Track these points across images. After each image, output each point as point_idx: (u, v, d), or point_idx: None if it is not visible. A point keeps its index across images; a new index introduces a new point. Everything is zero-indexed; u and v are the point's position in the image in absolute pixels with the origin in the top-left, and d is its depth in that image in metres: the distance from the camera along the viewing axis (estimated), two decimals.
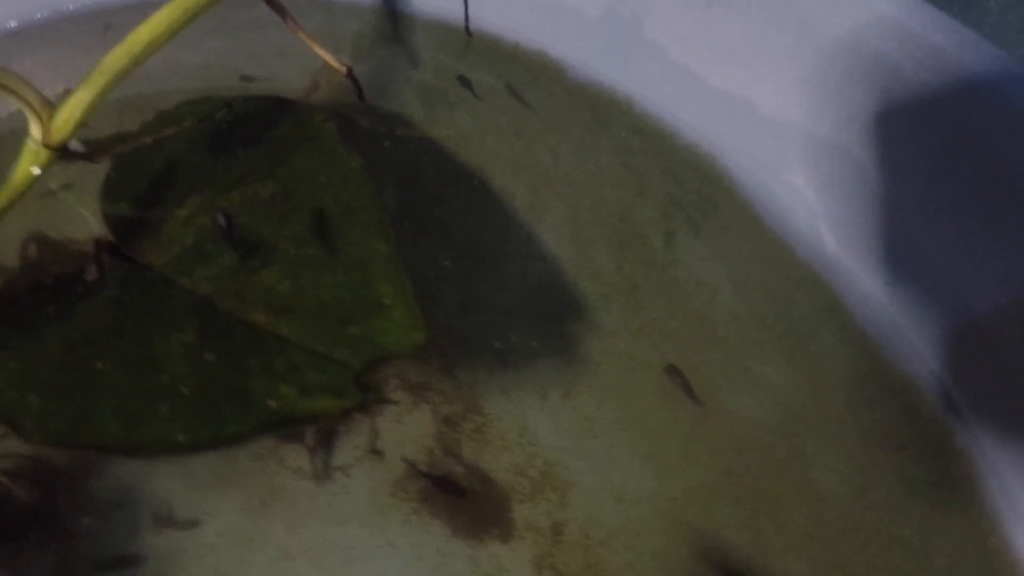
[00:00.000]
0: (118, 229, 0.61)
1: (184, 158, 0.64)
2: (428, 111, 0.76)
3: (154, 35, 0.55)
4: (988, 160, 0.63)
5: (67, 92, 0.55)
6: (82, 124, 0.55)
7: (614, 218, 0.72)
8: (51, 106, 0.55)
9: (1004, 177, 0.63)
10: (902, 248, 0.69)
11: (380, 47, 0.81)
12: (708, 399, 0.64)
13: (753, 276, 0.71)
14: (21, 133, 0.56)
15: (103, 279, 0.58)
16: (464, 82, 0.78)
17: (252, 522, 0.54)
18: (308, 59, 0.73)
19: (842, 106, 0.71)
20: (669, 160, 0.76)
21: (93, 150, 0.61)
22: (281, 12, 0.69)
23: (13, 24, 0.74)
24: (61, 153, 0.56)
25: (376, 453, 0.58)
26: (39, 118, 0.54)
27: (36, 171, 0.56)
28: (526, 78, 0.80)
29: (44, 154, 0.56)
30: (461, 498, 0.56)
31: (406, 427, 0.59)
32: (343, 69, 0.72)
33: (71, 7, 0.75)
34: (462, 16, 0.80)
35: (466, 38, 0.81)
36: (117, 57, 0.55)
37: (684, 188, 0.75)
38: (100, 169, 0.64)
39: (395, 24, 0.82)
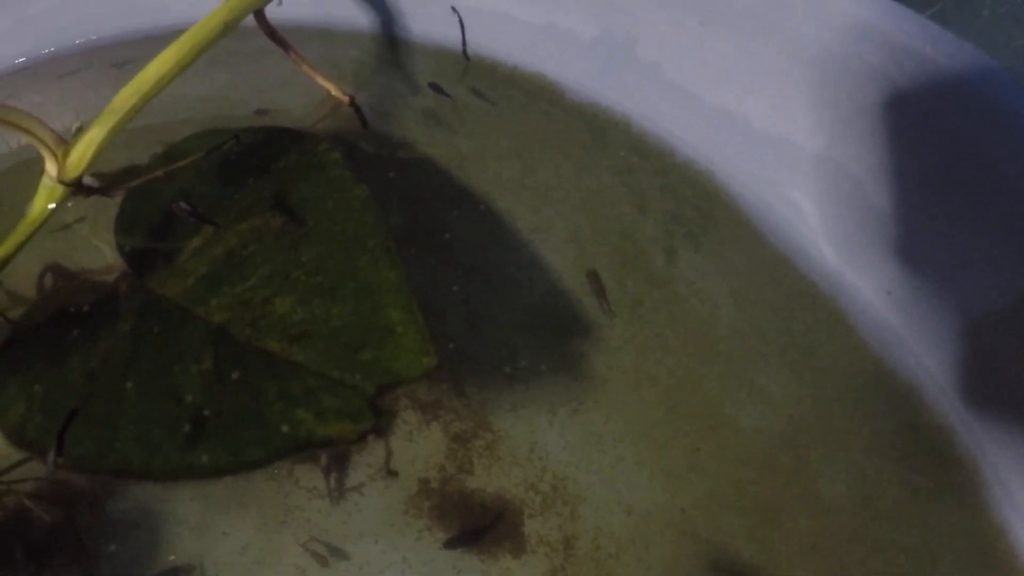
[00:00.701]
0: (132, 260, 0.62)
1: (195, 189, 0.64)
2: (430, 135, 0.76)
3: (162, 72, 0.56)
4: (982, 166, 0.63)
5: (80, 129, 0.56)
6: (95, 161, 0.56)
7: (616, 236, 0.72)
8: (65, 144, 0.56)
9: (998, 182, 0.63)
10: (901, 258, 0.69)
11: (380, 74, 0.81)
12: (715, 413, 0.64)
13: (754, 290, 0.71)
14: (30, 164, 0.57)
15: (120, 310, 0.58)
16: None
17: (268, 540, 0.55)
18: (311, 88, 0.73)
19: (836, 119, 0.71)
20: (668, 177, 0.77)
21: (106, 184, 0.62)
22: (284, 45, 0.69)
23: (22, 60, 0.75)
24: (76, 188, 0.57)
25: (389, 472, 0.58)
26: (54, 156, 0.55)
27: (52, 206, 0.57)
28: (524, 100, 0.80)
29: (59, 190, 0.56)
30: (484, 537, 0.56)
31: (418, 445, 0.59)
32: (346, 99, 0.72)
33: (77, 42, 0.76)
34: (460, 41, 0.80)
35: (464, 62, 0.81)
36: (127, 95, 0.56)
37: (683, 205, 0.75)
38: (113, 202, 0.64)
39: (394, 50, 0.82)
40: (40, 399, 0.55)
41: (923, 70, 0.65)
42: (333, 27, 0.83)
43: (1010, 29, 0.89)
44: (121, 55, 0.72)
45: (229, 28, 0.59)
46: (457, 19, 0.80)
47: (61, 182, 0.56)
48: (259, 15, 0.67)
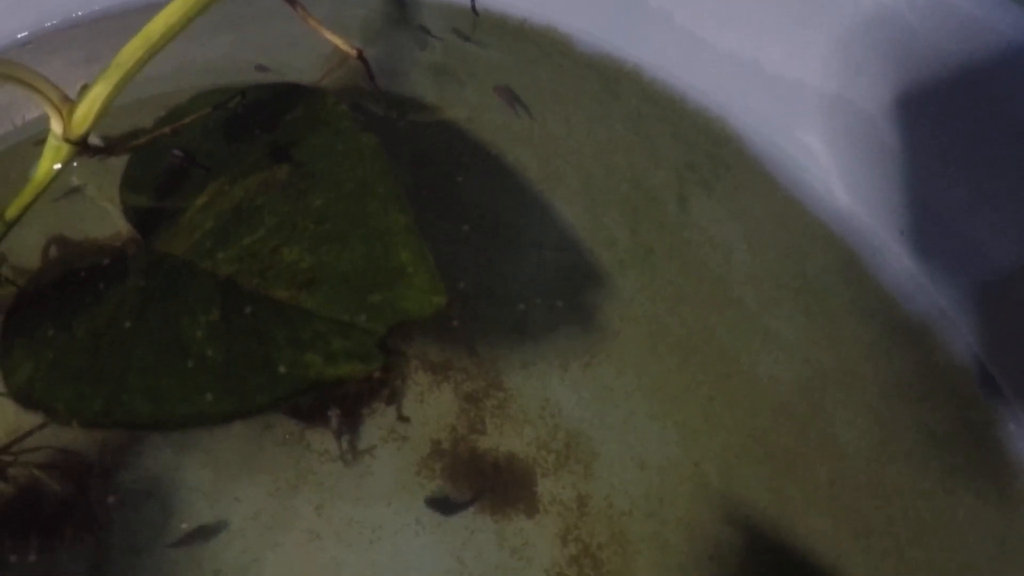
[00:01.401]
0: (138, 222, 0.61)
1: (201, 147, 0.63)
2: (439, 90, 0.74)
3: (169, 25, 0.54)
4: (995, 104, 0.62)
5: (85, 87, 0.54)
6: (101, 118, 0.55)
7: (627, 184, 0.71)
8: (70, 102, 0.54)
9: (1011, 121, 0.61)
10: (914, 197, 0.67)
11: (388, 31, 0.79)
12: (729, 361, 0.63)
13: (767, 235, 0.69)
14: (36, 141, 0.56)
15: (126, 270, 0.57)
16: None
17: (281, 505, 0.54)
18: (318, 47, 0.72)
19: (849, 61, 0.69)
20: (680, 125, 0.75)
21: (112, 144, 0.61)
22: (290, 1, 0.69)
23: (24, 35, 0.74)
24: (82, 148, 0.56)
25: (400, 434, 0.57)
26: (59, 113, 0.54)
27: (58, 167, 0.56)
28: (534, 53, 0.78)
29: (65, 149, 0.55)
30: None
31: (429, 406, 0.58)
32: (354, 52, 0.70)
33: (80, 13, 0.75)
34: None
35: (473, 17, 0.79)
36: (134, 49, 0.54)
37: (696, 151, 0.73)
38: (119, 165, 0.63)
39: (401, 6, 0.81)
40: (47, 359, 0.54)
41: (936, 9, 0.63)
42: None
43: None
44: (128, 22, 0.71)
45: None
46: None
47: (67, 140, 0.55)
48: None
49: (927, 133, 0.66)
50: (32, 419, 0.54)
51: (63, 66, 0.70)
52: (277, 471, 0.55)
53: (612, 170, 0.72)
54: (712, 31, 0.75)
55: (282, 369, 0.51)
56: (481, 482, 0.56)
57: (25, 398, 0.53)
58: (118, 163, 0.63)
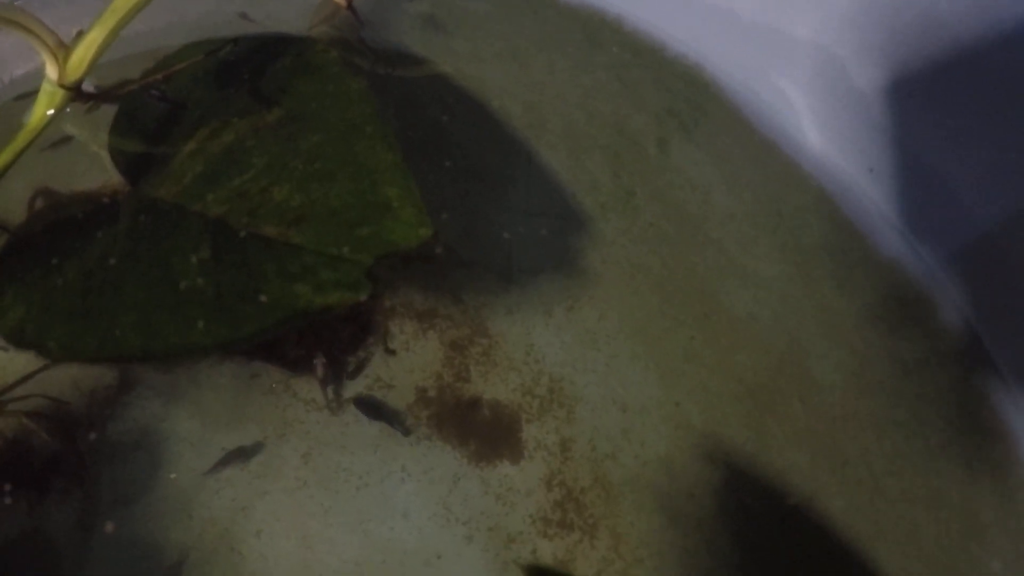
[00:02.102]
0: (128, 168, 0.54)
1: (192, 95, 0.56)
2: (426, 40, 0.66)
3: None
4: (958, 46, 0.56)
5: (80, 33, 0.47)
6: (95, 64, 0.48)
7: (609, 129, 0.63)
8: (66, 47, 0.47)
9: (972, 61, 0.55)
10: (883, 136, 0.62)
11: None
12: (708, 300, 0.55)
13: (744, 176, 0.62)
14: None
15: (116, 214, 0.51)
16: None
17: (269, 454, 0.47)
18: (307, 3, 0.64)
19: (820, 7, 0.62)
20: (660, 72, 0.67)
21: (104, 91, 0.55)
22: None
23: None
24: (76, 94, 0.49)
25: (386, 382, 0.50)
26: (55, 58, 0.47)
27: (51, 112, 0.49)
28: (520, 3, 0.70)
29: (60, 95, 0.48)
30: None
31: (415, 355, 0.51)
32: (343, 2, 0.62)
33: None
34: None
35: None
36: None
37: (675, 97, 0.66)
38: (108, 116, 0.55)
39: None
40: (38, 301, 0.47)
41: None
42: None
43: None
44: None
45: None
46: None
47: (62, 86, 0.48)
48: None
49: (894, 75, 0.61)
50: (20, 368, 0.47)
51: (52, 23, 0.60)
52: (264, 420, 0.48)
53: (594, 116, 0.64)
54: None
55: (271, 299, 0.45)
56: (466, 429, 0.49)
57: (17, 339, 0.47)
58: (107, 114, 0.55)
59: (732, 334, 0.54)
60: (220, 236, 0.47)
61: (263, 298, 0.45)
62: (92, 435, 0.46)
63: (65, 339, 0.46)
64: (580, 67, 0.67)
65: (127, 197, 0.52)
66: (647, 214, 0.58)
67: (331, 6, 0.62)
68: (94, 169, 0.54)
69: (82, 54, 0.47)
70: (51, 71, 0.48)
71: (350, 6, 0.62)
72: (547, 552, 0.46)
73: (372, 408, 0.49)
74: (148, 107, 0.55)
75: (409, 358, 0.50)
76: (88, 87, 0.51)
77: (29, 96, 0.49)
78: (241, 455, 0.46)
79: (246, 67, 0.56)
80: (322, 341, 0.50)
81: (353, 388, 0.49)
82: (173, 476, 0.45)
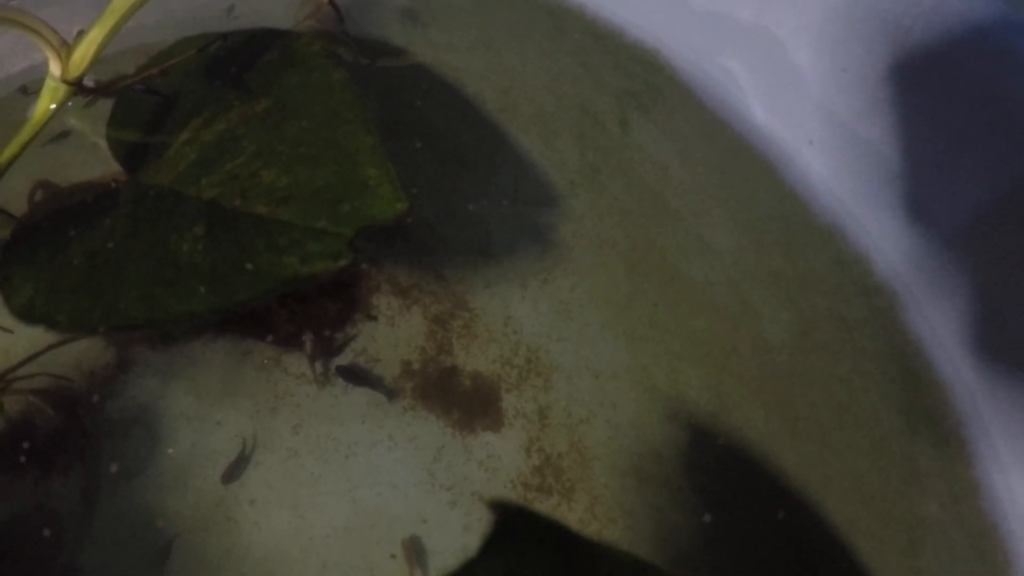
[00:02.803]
0: (126, 158, 0.49)
1: (184, 88, 0.52)
2: (404, 31, 0.60)
3: None
4: (884, 23, 0.51)
5: (81, 32, 0.43)
6: (96, 60, 0.43)
7: (575, 111, 0.58)
8: (68, 45, 0.44)
9: (894, 34, 0.51)
10: (819, 110, 0.56)
11: None
12: (669, 269, 0.51)
13: (697, 152, 0.57)
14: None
15: (116, 200, 0.46)
16: None
17: (261, 426, 0.43)
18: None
19: None
20: (619, 56, 0.62)
21: (104, 85, 0.50)
22: None
23: None
24: (77, 88, 0.45)
25: (372, 356, 0.46)
26: (58, 56, 0.43)
27: (53, 107, 0.45)
28: None
29: (62, 90, 0.45)
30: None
31: (399, 329, 0.47)
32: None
33: None
34: None
35: None
36: None
37: (634, 80, 0.60)
38: (105, 110, 0.50)
39: None
40: (46, 279, 0.44)
41: None
42: None
43: None
44: None
45: None
46: None
47: (64, 82, 0.44)
48: None
49: (827, 51, 0.56)
50: (23, 349, 0.43)
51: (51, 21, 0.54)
52: (256, 395, 0.44)
53: (561, 99, 0.59)
54: None
55: (262, 270, 0.42)
56: (449, 399, 0.44)
57: (27, 315, 0.43)
58: (105, 108, 0.51)
59: (691, 300, 0.50)
60: (214, 216, 0.44)
61: (253, 267, 0.41)
62: (93, 412, 0.42)
63: (73, 312, 0.42)
64: (547, 54, 0.61)
65: (126, 184, 0.48)
66: (612, 189, 0.54)
67: (314, 2, 0.56)
68: (93, 160, 0.49)
69: (83, 51, 0.44)
70: (54, 68, 0.44)
71: (331, 2, 0.56)
72: None
73: (354, 375, 0.45)
74: (143, 100, 0.51)
75: (394, 333, 0.46)
76: (88, 82, 0.46)
77: (29, 92, 0.46)
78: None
79: (236, 61, 0.51)
80: (310, 318, 0.46)
81: (340, 362, 0.45)
82: (171, 451, 0.41)
